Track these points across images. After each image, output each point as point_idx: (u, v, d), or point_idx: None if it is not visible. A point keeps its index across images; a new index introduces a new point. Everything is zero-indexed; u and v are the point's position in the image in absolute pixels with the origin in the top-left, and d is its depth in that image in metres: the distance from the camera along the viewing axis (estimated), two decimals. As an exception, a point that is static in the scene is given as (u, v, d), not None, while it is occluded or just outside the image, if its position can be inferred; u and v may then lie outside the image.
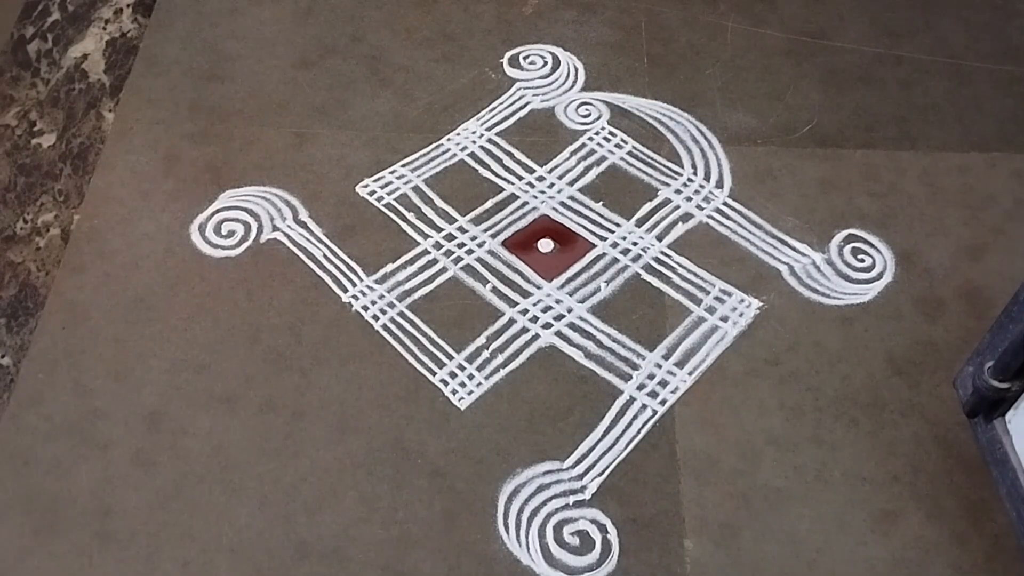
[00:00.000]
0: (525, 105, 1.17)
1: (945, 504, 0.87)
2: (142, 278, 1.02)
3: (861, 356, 0.96)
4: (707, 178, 1.10)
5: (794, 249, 1.04)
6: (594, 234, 1.05)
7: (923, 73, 1.21)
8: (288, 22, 1.25)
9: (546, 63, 1.21)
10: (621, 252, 1.04)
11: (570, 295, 1.00)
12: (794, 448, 0.90)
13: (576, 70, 1.21)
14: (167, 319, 0.99)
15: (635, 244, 1.04)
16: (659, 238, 1.05)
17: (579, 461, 0.89)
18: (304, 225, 1.06)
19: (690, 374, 0.95)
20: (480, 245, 1.04)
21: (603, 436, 0.91)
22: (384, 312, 0.99)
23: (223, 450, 0.90)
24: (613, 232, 1.05)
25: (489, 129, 1.15)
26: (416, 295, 1.00)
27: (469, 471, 0.89)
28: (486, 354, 0.96)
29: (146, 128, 1.15)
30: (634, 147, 1.13)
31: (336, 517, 0.86)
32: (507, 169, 1.11)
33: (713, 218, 1.07)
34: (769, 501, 0.87)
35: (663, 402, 0.93)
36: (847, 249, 1.04)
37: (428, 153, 1.12)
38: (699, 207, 1.07)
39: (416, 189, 1.09)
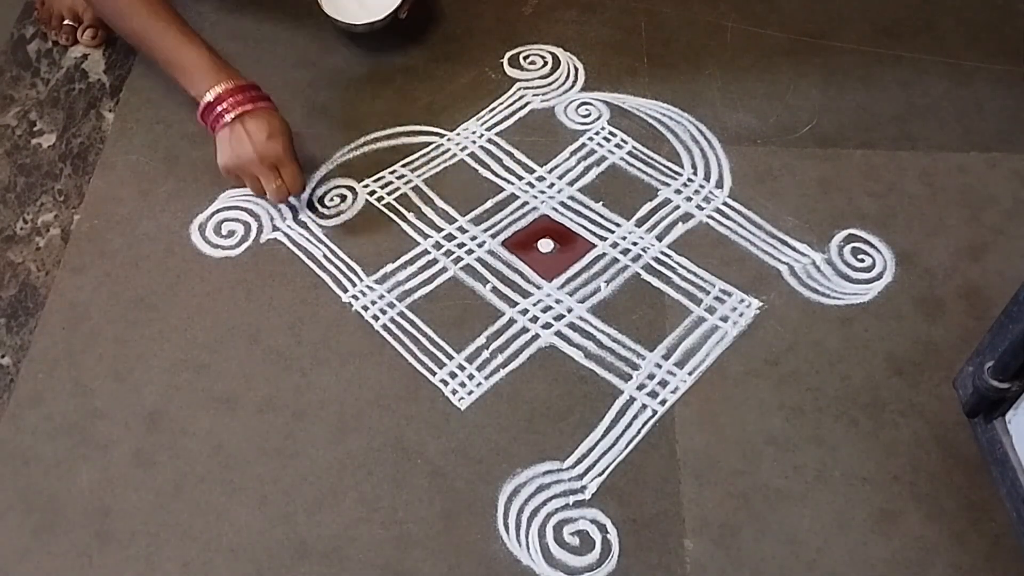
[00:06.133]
0: (525, 105, 1.17)
1: (945, 504, 0.87)
2: (142, 278, 1.02)
3: (861, 356, 0.96)
4: (707, 178, 1.10)
5: (794, 249, 1.04)
6: (594, 234, 1.05)
7: (923, 73, 1.21)
8: (288, 22, 1.25)
9: (546, 63, 1.22)
10: (621, 252, 1.04)
11: (570, 295, 1.00)
12: (794, 448, 0.90)
13: (576, 70, 1.21)
14: (167, 319, 0.99)
15: (635, 244, 1.04)
16: (659, 238, 1.05)
17: (579, 461, 0.89)
18: (304, 225, 1.06)
19: (690, 374, 0.95)
20: (480, 245, 1.04)
21: (603, 436, 0.91)
22: (384, 312, 0.99)
23: (223, 450, 0.90)
24: (613, 232, 1.05)
25: (489, 129, 1.15)
26: (416, 295, 1.00)
27: (469, 471, 0.89)
28: (486, 354, 0.96)
29: (146, 128, 1.15)
30: (634, 147, 1.13)
31: (336, 517, 0.86)
32: (507, 169, 1.11)
33: (713, 218, 1.07)
34: (769, 501, 0.87)
35: (663, 402, 0.93)
36: (847, 249, 1.04)
37: (428, 153, 1.13)
38: (699, 207, 1.07)
39: (416, 189, 1.09)
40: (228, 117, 0.99)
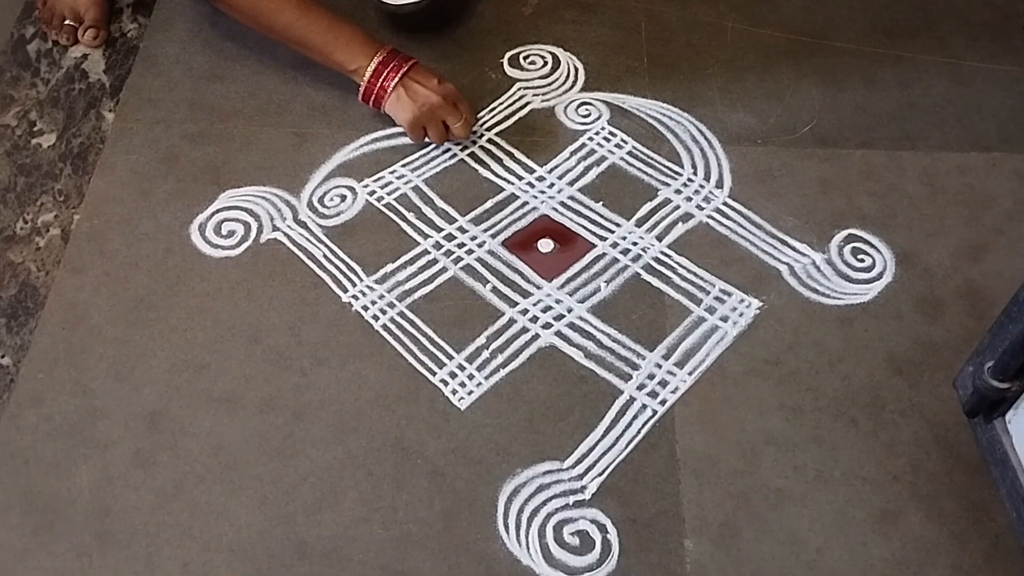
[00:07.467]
0: (525, 105, 1.17)
1: (945, 504, 0.87)
2: (142, 278, 1.02)
3: (861, 356, 0.96)
4: (707, 178, 1.10)
5: (794, 249, 1.04)
6: (594, 234, 1.05)
7: (923, 73, 1.21)
8: (288, 22, 1.25)
9: (546, 63, 1.22)
10: (621, 252, 1.04)
11: (570, 295, 1.00)
12: (794, 448, 0.90)
13: (576, 70, 1.21)
14: (167, 319, 0.99)
15: (635, 244, 1.04)
16: (659, 238, 1.05)
17: (579, 461, 0.89)
18: (304, 225, 1.06)
19: (690, 374, 0.95)
20: (480, 245, 1.04)
21: (603, 436, 0.91)
22: (384, 312, 0.99)
23: (223, 450, 0.90)
24: (613, 232, 1.05)
25: (489, 129, 1.15)
26: (416, 295, 1.00)
27: (469, 471, 0.89)
28: (486, 354, 0.96)
29: (146, 128, 1.15)
30: (634, 147, 1.13)
31: (336, 517, 0.86)
32: (507, 169, 1.11)
33: (713, 218, 1.07)
34: (769, 501, 0.87)
35: (663, 402, 0.93)
36: (847, 249, 1.04)
37: (428, 153, 1.13)
38: (699, 207, 1.07)
39: (416, 189, 1.09)
40: (397, 78, 1.07)
